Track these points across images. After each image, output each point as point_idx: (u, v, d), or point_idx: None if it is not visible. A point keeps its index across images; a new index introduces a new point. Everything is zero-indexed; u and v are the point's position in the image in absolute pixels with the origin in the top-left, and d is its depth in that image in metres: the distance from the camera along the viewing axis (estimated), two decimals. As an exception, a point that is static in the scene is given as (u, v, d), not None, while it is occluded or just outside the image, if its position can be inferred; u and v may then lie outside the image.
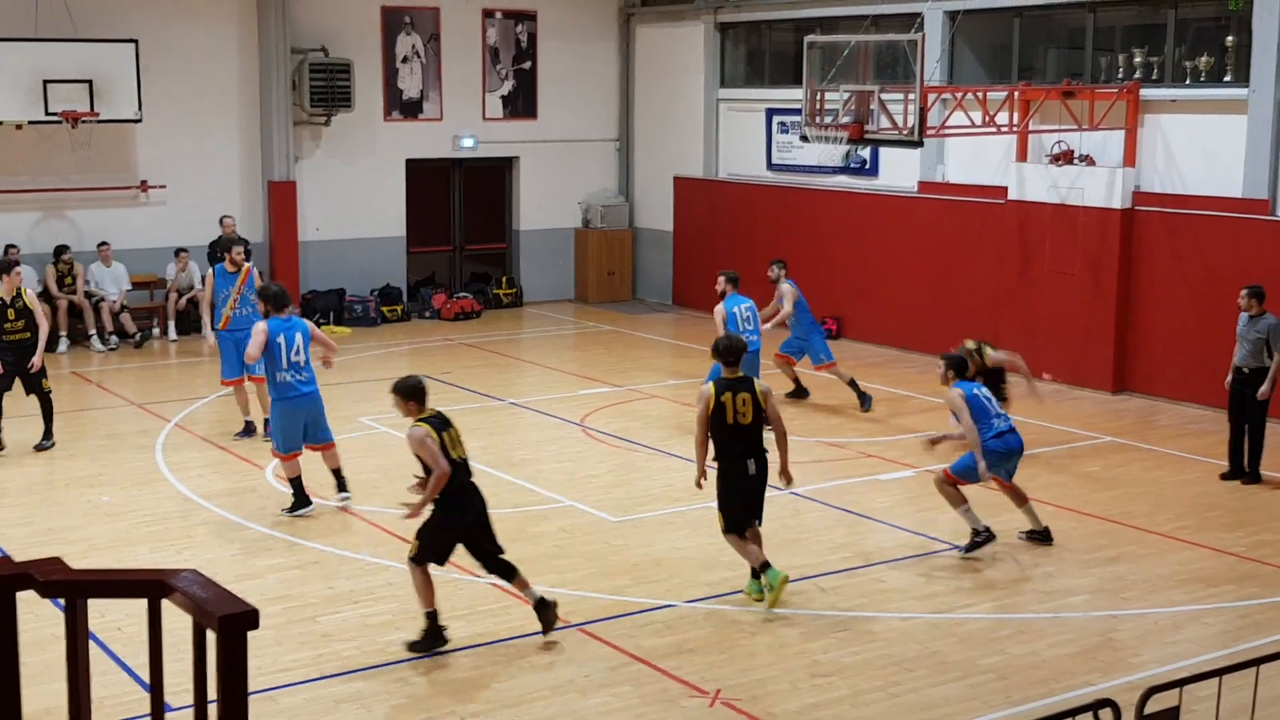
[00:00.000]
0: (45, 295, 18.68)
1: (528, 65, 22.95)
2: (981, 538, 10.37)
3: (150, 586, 2.58)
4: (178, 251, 19.71)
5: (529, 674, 8.24)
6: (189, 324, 19.61)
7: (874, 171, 19.75)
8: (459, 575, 9.50)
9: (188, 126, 20.17)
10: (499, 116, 22.80)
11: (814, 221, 20.21)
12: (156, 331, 19.77)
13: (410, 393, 8.62)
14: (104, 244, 19.33)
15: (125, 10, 19.45)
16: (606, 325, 21.44)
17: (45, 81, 18.31)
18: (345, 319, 21.06)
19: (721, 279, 14.52)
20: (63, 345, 18.64)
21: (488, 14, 22.53)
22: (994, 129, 15.91)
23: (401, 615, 9.06)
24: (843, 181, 20.10)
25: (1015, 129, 16.37)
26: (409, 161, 22.06)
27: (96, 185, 19.69)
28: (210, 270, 14.57)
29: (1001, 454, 10.40)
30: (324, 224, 21.36)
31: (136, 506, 11.64)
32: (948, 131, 16.17)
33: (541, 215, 23.42)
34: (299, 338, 11.08)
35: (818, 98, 15.33)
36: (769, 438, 9.28)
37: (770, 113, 21.09)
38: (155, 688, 2.73)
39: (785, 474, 9.37)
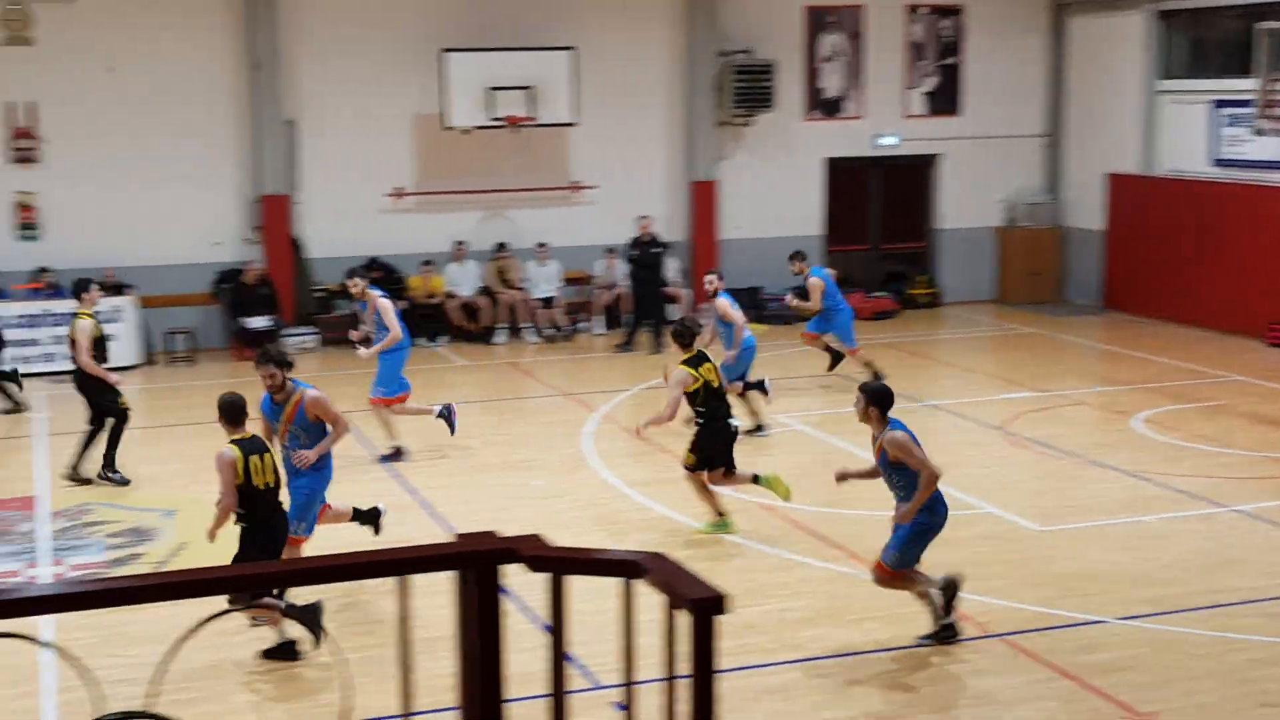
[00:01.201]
0: (486, 290, 19.96)
1: (952, 61, 22.52)
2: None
3: (626, 566, 2.68)
4: (608, 250, 20.56)
5: (948, 681, 8.07)
6: (616, 319, 20.43)
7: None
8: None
9: (617, 129, 20.98)
10: (920, 114, 22.50)
11: (1264, 220, 18.80)
12: (586, 325, 20.70)
13: (223, 411, 8.35)
14: (542, 244, 20.40)
15: (565, 20, 20.44)
16: (1029, 327, 20.73)
17: (491, 89, 19.52)
18: (762, 317, 21.33)
19: (712, 277, 14.42)
20: (501, 336, 19.84)
21: (911, 10, 22.26)
22: None
23: (820, 612, 9.07)
24: (1298, 177, 18.63)
25: None
26: (827, 160, 22.11)
27: (533, 186, 20.81)
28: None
29: (932, 531, 8.39)
30: (742, 223, 21.72)
31: (566, 491, 12.19)
32: None
33: (962, 213, 22.92)
34: None
35: (1270, 88, 14.26)
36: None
37: (1217, 105, 19.78)
38: (627, 666, 2.83)
39: None
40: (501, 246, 20.38)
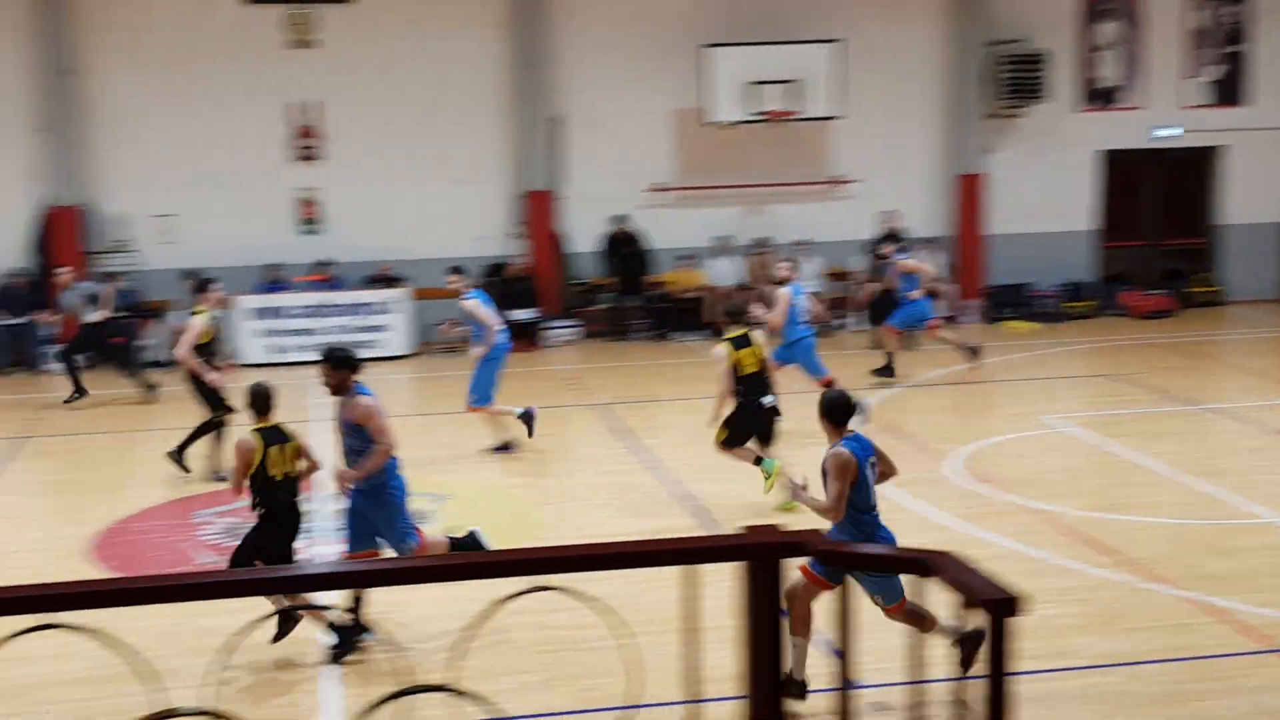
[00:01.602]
0: (746, 285, 19.97)
1: (1237, 49, 21.38)
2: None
3: (915, 565, 2.60)
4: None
5: (1231, 696, 7.64)
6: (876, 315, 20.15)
7: None
8: (1154, 585, 8.99)
9: (879, 122, 20.69)
10: (1202, 104, 21.45)
11: None
12: (845, 321, 20.48)
13: (250, 399, 8.24)
14: (802, 242, 20.28)
15: (829, 12, 20.27)
16: (1320, 328, 19.54)
17: (752, 83, 19.51)
18: (1028, 314, 20.71)
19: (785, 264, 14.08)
20: (759, 332, 19.81)
21: (1194, -5, 21.28)
22: None
23: (1091, 619, 8.73)
24: None
25: None
26: (1101, 152, 21.30)
27: (794, 181, 20.71)
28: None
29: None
30: (1010, 217, 21.13)
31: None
32: None
33: (1249, 208, 21.75)
34: None
35: None
36: None
37: None
38: (914, 666, 2.76)
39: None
40: (761, 242, 20.36)
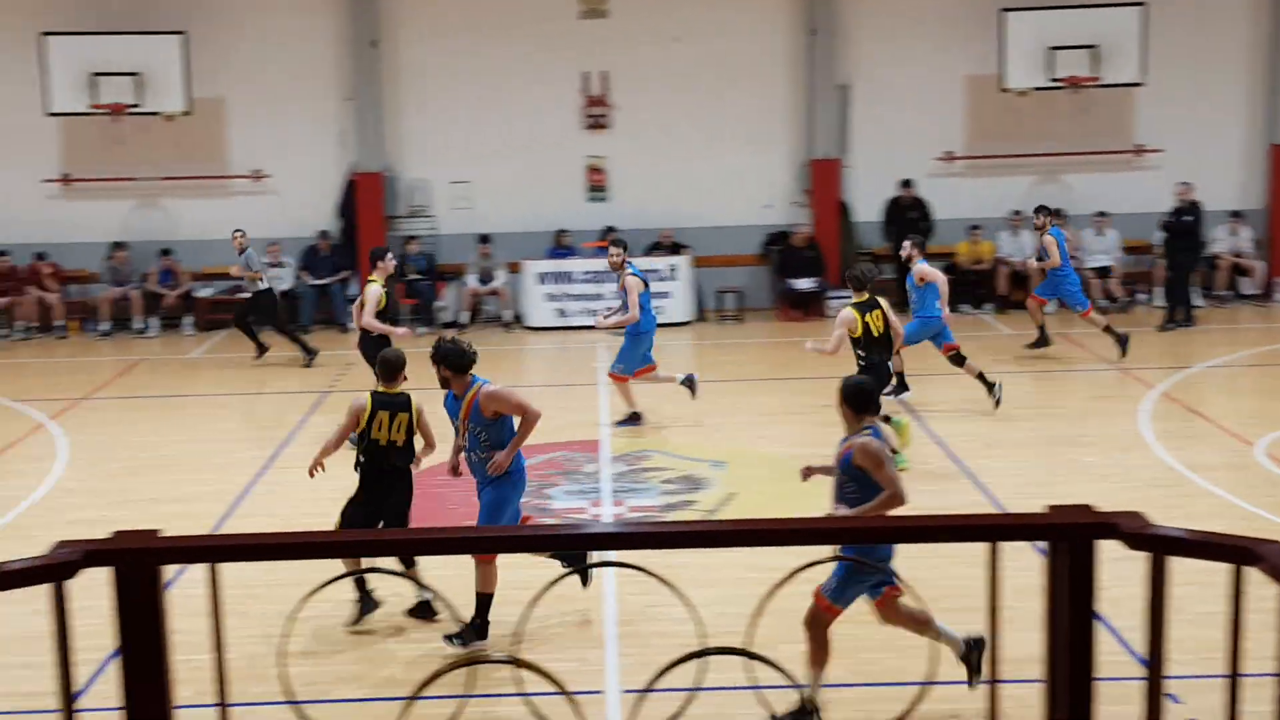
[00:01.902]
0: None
1: None
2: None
3: (1239, 552, 2.42)
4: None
5: None
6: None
7: None
8: None
9: (1187, 89, 19.62)
10: None
11: None
12: (1145, 297, 19.60)
13: (377, 365, 8.48)
14: (1102, 214, 19.48)
15: (1133, -27, 19.33)
16: None
17: (1052, 48, 18.80)
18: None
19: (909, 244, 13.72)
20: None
21: None
22: None
23: None
24: None
25: None
26: None
27: (1093, 150, 19.87)
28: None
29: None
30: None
31: (1119, 470, 11.55)
32: None
33: None
34: None
35: None
36: None
37: None
38: (1154, 653, 2.58)
39: None
40: (1056, 213, 19.61)
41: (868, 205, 20.13)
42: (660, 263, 19.46)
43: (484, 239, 19.66)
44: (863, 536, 2.71)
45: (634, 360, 13.12)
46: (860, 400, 6.97)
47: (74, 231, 19.91)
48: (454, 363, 8.00)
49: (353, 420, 8.14)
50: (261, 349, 17.06)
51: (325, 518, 10.50)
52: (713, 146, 20.10)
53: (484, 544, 3.39)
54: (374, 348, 12.22)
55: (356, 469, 8.26)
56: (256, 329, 17.11)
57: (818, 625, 6.69)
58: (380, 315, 12.57)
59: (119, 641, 2.51)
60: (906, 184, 19.74)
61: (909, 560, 7.11)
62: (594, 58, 20.09)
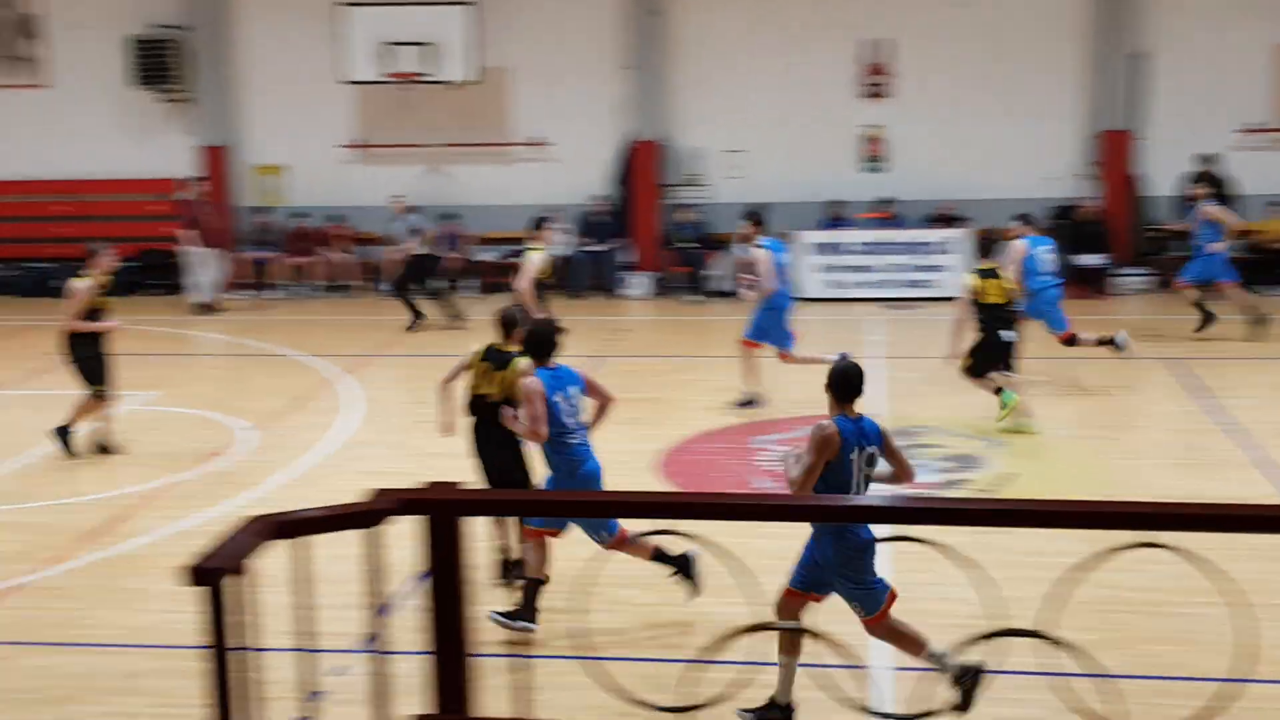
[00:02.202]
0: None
1: None
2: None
3: None
4: None
5: None
6: None
7: None
8: None
9: None
10: None
11: None
12: None
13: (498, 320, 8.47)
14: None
15: None
16: None
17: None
18: None
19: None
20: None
21: None
22: None
23: None
24: None
25: None
26: None
27: None
28: None
29: (822, 564, 6.39)
30: None
31: None
32: None
33: None
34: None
35: None
36: None
37: None
38: None
39: None
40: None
41: (1162, 179, 19.19)
42: (938, 235, 19.04)
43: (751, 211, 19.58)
44: (1184, 523, 2.54)
45: (764, 330, 12.65)
46: (842, 386, 6.44)
47: (366, 195, 20.80)
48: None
49: (461, 367, 8.36)
50: (417, 315, 17.39)
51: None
52: (996, 116, 19.51)
53: (791, 513, 3.35)
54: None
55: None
56: (414, 296, 17.53)
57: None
58: (540, 284, 12.71)
59: (429, 586, 2.57)
60: (1208, 159, 18.69)
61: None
62: (873, 26, 19.75)
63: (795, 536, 6.35)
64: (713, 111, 20.25)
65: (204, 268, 19.28)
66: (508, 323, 8.39)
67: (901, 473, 6.59)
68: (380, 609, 2.68)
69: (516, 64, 20.42)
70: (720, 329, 17.40)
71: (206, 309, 19.09)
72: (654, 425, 12.23)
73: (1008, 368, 11.73)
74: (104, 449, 11.62)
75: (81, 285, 11.36)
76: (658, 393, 13.85)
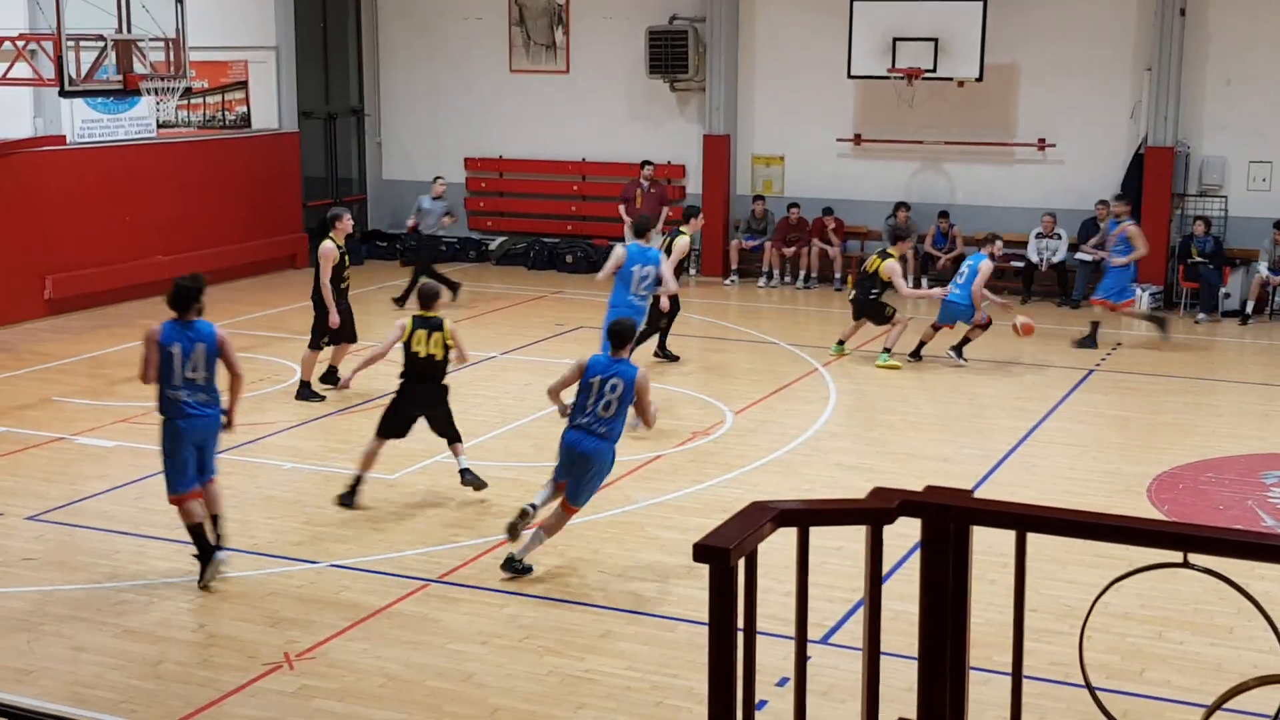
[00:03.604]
0: None
1: None
2: None
3: None
4: None
5: None
6: None
7: None
8: None
9: None
10: None
11: None
12: None
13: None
14: None
15: None
16: None
17: None
18: None
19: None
20: None
21: None
22: None
23: None
24: None
25: None
26: None
27: None
28: None
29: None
30: None
31: None
32: None
33: None
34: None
35: None
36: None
37: None
38: None
39: None
40: None
41: None
42: None
43: (1279, 224, 18.09)
44: None
45: (1121, 288, 15.71)
46: (612, 337, 8.69)
47: (858, 189, 20.82)
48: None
49: (396, 336, 9.74)
50: (452, 287, 17.48)
51: (1080, 498, 10.22)
52: None
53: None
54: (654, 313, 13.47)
55: (400, 376, 9.92)
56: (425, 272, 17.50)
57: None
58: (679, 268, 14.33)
59: (922, 590, 2.49)
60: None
61: None
62: None
63: None
64: (1238, 118, 18.84)
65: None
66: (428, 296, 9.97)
67: (642, 412, 8.67)
68: (873, 608, 2.62)
69: (1025, 61, 19.78)
70: (1228, 352, 16.21)
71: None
72: (1153, 447, 11.62)
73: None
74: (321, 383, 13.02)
75: (328, 247, 12.64)
76: (1158, 413, 13.09)
